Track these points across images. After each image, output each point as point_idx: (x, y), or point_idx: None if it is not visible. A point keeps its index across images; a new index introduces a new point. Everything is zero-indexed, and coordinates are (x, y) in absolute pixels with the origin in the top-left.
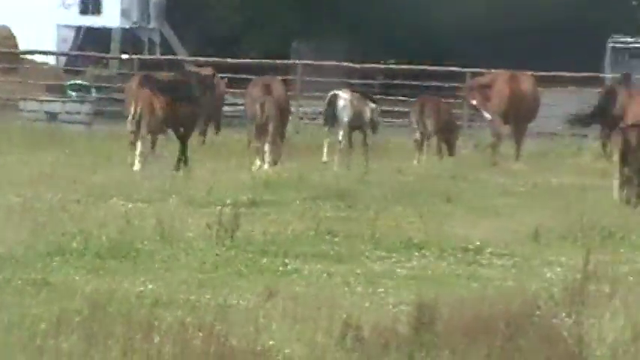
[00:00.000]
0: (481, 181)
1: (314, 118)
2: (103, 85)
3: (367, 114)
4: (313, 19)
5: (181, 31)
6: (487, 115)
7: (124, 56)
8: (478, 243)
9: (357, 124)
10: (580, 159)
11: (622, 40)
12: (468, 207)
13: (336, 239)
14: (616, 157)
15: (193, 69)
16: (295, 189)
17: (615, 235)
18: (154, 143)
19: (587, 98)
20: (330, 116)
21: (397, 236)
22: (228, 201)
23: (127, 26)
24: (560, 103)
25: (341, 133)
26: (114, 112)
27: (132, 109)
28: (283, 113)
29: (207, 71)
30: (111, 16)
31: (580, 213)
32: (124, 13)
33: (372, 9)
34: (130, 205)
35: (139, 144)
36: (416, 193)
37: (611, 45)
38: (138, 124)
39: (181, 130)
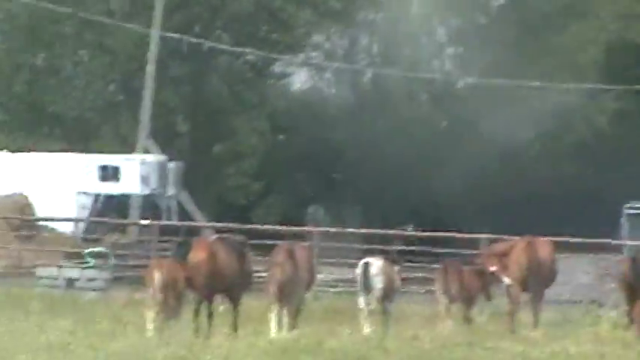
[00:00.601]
0: (499, 348)
1: (332, 285)
2: (122, 252)
3: (397, 281)
4: (330, 185)
5: (199, 197)
6: (507, 280)
7: (144, 222)
8: None
9: (388, 290)
10: (598, 327)
11: (638, 206)
12: None
13: None
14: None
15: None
16: (313, 355)
17: None
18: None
19: (605, 265)
20: (366, 284)
21: None
22: None
23: (146, 193)
24: (577, 270)
25: (373, 299)
26: (132, 278)
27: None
28: (304, 279)
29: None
30: (130, 183)
31: None
32: (143, 180)
33: (388, 176)
34: None
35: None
36: None
37: (628, 212)
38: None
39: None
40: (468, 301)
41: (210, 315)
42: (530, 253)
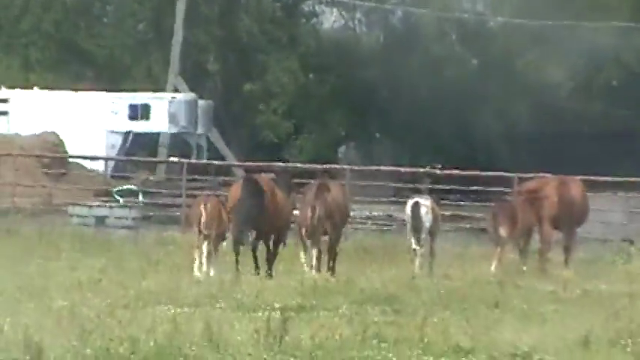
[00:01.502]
0: (530, 287)
1: (363, 223)
2: (151, 190)
3: (439, 219)
4: (361, 124)
5: (229, 136)
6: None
7: (173, 160)
8: (527, 349)
9: (435, 230)
10: (630, 266)
11: None
12: (517, 313)
13: (384, 344)
14: None
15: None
16: (343, 294)
17: None
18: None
19: (635, 204)
20: (416, 224)
21: (445, 342)
22: (277, 306)
23: (175, 131)
24: (608, 209)
25: (422, 238)
26: (161, 217)
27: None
28: (338, 217)
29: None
30: (159, 122)
31: (629, 320)
32: (172, 119)
33: (419, 115)
34: (177, 310)
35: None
36: (464, 299)
37: None
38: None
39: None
40: (524, 236)
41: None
42: (562, 191)
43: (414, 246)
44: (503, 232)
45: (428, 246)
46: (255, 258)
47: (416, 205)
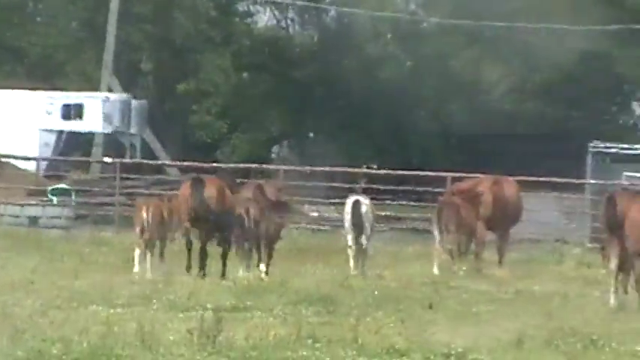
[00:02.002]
0: (464, 287)
1: (297, 223)
2: (85, 189)
3: (374, 219)
4: (295, 124)
5: (163, 135)
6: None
7: (107, 160)
8: (461, 350)
9: (372, 229)
10: (562, 266)
11: (603, 145)
12: (451, 313)
13: (318, 345)
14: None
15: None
16: (277, 294)
17: (597, 342)
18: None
19: (569, 204)
20: (356, 223)
21: (379, 342)
22: (210, 306)
23: (109, 131)
24: (542, 209)
25: (360, 237)
26: (95, 216)
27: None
28: (273, 218)
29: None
30: (93, 121)
31: (562, 320)
32: (106, 118)
33: (353, 115)
34: (111, 311)
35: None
36: (398, 299)
37: (593, 150)
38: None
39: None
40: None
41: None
42: (496, 192)
43: (350, 243)
44: (449, 230)
45: (365, 245)
46: (203, 258)
47: (357, 204)
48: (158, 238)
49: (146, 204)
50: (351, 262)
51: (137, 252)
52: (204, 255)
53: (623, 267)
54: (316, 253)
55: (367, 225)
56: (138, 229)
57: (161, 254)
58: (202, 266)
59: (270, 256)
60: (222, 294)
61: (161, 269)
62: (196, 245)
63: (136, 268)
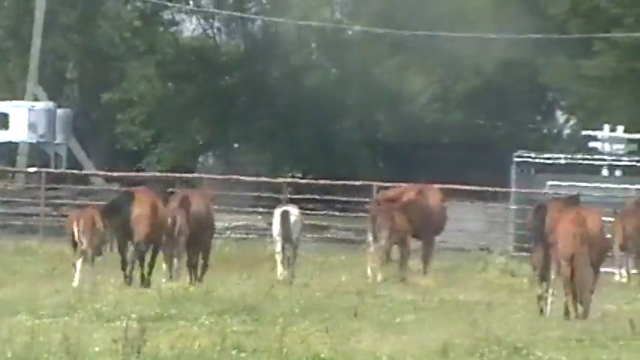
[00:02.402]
0: (388, 296)
1: (222, 232)
2: (10, 199)
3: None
4: (220, 133)
5: (88, 145)
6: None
7: (32, 169)
8: (386, 358)
9: (299, 236)
10: (487, 274)
11: (527, 155)
12: (376, 322)
13: (243, 354)
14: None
15: None
16: (202, 303)
17: (521, 350)
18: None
19: (493, 212)
20: (285, 232)
21: (304, 351)
22: (135, 315)
23: (34, 140)
24: (467, 218)
25: (289, 246)
26: (19, 226)
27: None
28: (202, 227)
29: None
30: (18, 131)
31: (487, 328)
32: (31, 128)
33: (279, 124)
34: (36, 321)
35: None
36: (323, 308)
37: (517, 160)
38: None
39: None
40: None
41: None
42: (420, 200)
43: (278, 249)
44: (383, 237)
45: (292, 254)
46: (131, 268)
47: (285, 214)
48: (91, 247)
49: (77, 215)
50: (279, 269)
51: (78, 263)
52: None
53: (546, 274)
54: (241, 262)
55: (295, 235)
56: (72, 241)
57: (92, 262)
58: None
59: (205, 266)
60: (147, 303)
61: (91, 278)
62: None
63: (76, 282)
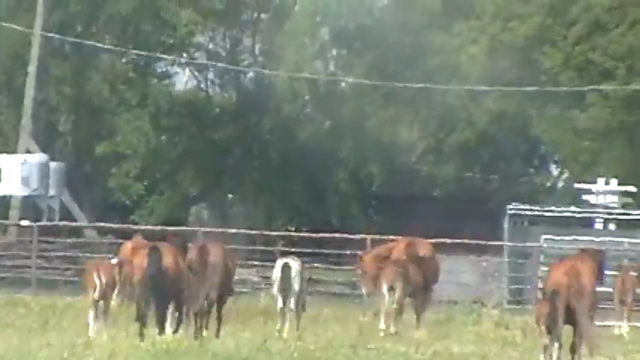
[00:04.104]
0: (382, 349)
1: None
2: (2, 253)
3: (306, 284)
4: (213, 185)
5: (81, 198)
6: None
7: (24, 223)
8: None
9: (303, 291)
10: (480, 327)
11: (520, 207)
12: None
13: None
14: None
15: None
16: (196, 357)
17: None
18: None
19: (486, 266)
20: (285, 285)
21: None
22: None
23: (27, 194)
24: (460, 271)
25: (292, 300)
26: (12, 279)
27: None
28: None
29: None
30: (10, 184)
31: None
32: (24, 181)
33: (272, 176)
34: None
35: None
36: None
37: (510, 212)
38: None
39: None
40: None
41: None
42: (410, 253)
43: (279, 305)
44: (398, 288)
45: (293, 308)
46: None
47: (286, 267)
48: (106, 300)
49: (96, 266)
50: (279, 324)
51: (91, 315)
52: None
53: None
54: (235, 315)
55: (297, 287)
56: (91, 292)
57: (105, 316)
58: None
59: (219, 319)
60: (141, 356)
61: (106, 330)
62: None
63: (91, 332)
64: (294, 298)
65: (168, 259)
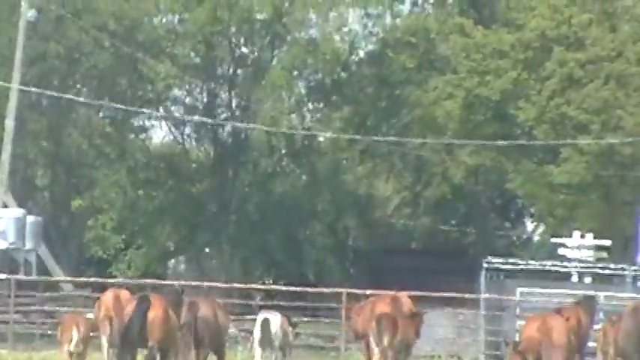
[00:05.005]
0: None
1: None
2: None
3: (290, 336)
4: (190, 238)
5: (58, 251)
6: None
7: (1, 276)
8: None
9: (285, 345)
10: None
11: (496, 261)
12: None
13: None
14: None
15: None
16: None
17: None
18: None
19: (463, 319)
20: (265, 340)
21: None
22: None
23: (4, 247)
24: (436, 324)
25: (273, 354)
26: None
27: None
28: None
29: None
30: None
31: None
32: (1, 235)
33: (249, 229)
34: None
35: None
36: None
37: (486, 266)
38: None
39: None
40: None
41: None
42: (393, 306)
43: (257, 357)
44: (386, 341)
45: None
46: None
47: (265, 322)
48: (82, 353)
49: (73, 319)
50: None
51: None
52: None
53: None
54: None
55: (277, 342)
56: (66, 345)
57: None
58: None
59: None
60: None
61: None
62: None
63: None
64: (275, 354)
65: (157, 310)
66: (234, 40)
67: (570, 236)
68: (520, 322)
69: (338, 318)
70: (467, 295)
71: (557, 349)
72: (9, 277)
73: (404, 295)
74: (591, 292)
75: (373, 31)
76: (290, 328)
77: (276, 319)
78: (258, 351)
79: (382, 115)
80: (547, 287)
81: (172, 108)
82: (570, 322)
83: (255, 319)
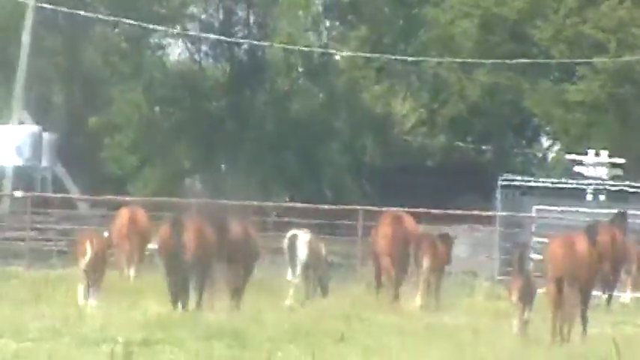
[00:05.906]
0: (375, 320)
1: None
2: None
3: (322, 253)
4: (207, 157)
5: (74, 169)
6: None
7: (18, 194)
8: None
9: (314, 262)
10: (473, 299)
11: (513, 178)
12: (362, 347)
13: None
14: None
15: None
16: (189, 327)
17: None
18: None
19: (479, 236)
20: (292, 256)
21: None
22: (121, 339)
23: (20, 164)
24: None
25: (297, 270)
26: (5, 251)
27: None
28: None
29: None
30: (3, 155)
31: (473, 353)
32: (17, 151)
33: (266, 148)
34: (20, 345)
35: None
36: (310, 333)
37: (503, 184)
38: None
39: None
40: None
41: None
42: (395, 226)
43: (288, 277)
44: (426, 263)
45: (305, 279)
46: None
47: (293, 238)
48: (99, 270)
49: (88, 236)
50: (290, 295)
51: (80, 286)
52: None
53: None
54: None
55: (303, 258)
56: (81, 262)
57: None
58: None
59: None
60: (134, 327)
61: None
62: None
63: (80, 301)
64: (300, 267)
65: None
66: None
67: (586, 154)
68: (536, 239)
69: (355, 235)
70: (483, 213)
71: (586, 271)
72: (26, 194)
73: (406, 214)
74: (605, 210)
75: None
76: (323, 251)
77: (305, 236)
78: (288, 267)
79: (399, 34)
80: (563, 205)
81: (189, 25)
82: (603, 240)
83: (269, 237)
